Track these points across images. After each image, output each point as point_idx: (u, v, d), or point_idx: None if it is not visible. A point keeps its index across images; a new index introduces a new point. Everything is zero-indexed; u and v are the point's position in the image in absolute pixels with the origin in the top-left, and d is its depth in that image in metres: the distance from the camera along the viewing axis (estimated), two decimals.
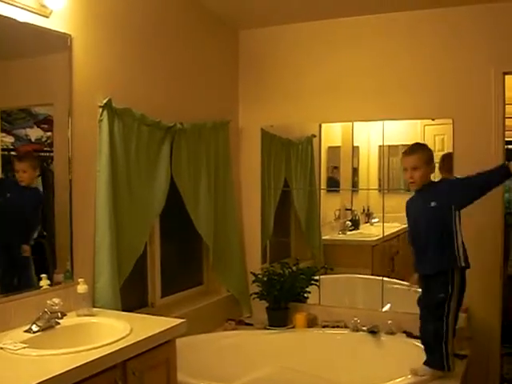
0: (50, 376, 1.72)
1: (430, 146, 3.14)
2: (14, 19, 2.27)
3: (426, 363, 2.81)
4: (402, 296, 3.45)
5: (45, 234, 2.58)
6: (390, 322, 3.46)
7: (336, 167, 4.27)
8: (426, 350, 2.84)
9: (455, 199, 2.77)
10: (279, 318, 3.74)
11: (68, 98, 2.56)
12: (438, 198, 2.79)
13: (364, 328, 3.49)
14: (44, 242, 2.57)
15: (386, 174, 4.09)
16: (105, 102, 2.70)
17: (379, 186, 4.12)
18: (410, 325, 3.24)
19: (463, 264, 2.75)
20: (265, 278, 3.82)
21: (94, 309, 2.54)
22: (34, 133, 2.49)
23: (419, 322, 2.89)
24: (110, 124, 2.72)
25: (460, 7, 3.44)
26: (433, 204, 2.79)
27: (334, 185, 4.29)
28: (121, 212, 2.81)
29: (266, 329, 3.73)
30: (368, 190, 4.23)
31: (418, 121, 3.75)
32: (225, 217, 3.75)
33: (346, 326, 3.62)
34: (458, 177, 2.90)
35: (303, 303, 3.88)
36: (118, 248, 2.76)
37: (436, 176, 3.12)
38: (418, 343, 2.97)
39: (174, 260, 3.65)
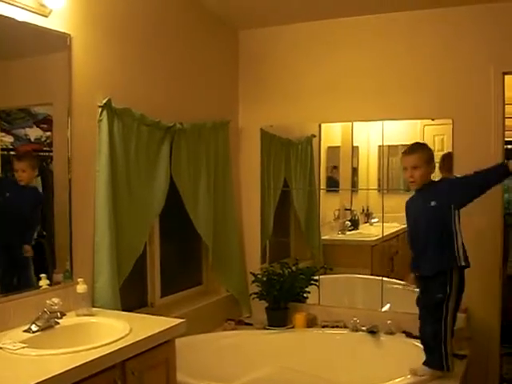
0: (50, 376, 1.72)
1: (430, 146, 3.13)
2: (14, 19, 2.27)
3: (425, 363, 2.81)
4: (401, 296, 3.45)
5: (44, 233, 2.58)
6: (389, 321, 3.46)
7: (335, 167, 4.27)
8: (426, 350, 2.84)
9: (455, 198, 2.77)
10: (279, 318, 3.74)
11: (67, 97, 2.56)
12: (438, 197, 2.79)
13: (363, 328, 3.49)
14: (43, 241, 2.57)
15: (386, 174, 4.09)
16: (104, 101, 2.70)
17: (379, 186, 4.12)
18: (410, 325, 3.24)
19: (463, 263, 2.75)
20: (264, 278, 3.82)
21: (94, 309, 2.54)
22: (34, 132, 2.49)
23: (419, 322, 2.90)
24: (109, 124, 2.72)
25: (460, 7, 3.44)
26: (433, 204, 2.79)
27: (333, 185, 4.29)
28: (120, 212, 2.80)
29: (265, 329, 3.73)
30: (367, 190, 4.23)
31: (418, 121, 3.75)
32: (224, 217, 3.75)
33: (345, 326, 3.62)
34: (458, 176, 2.89)
35: (303, 303, 3.88)
36: (118, 248, 2.76)
37: (436, 176, 3.12)
38: (418, 343, 2.97)
39: (173, 260, 3.65)
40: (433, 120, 3.66)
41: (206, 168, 3.53)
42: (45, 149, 2.57)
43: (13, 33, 2.30)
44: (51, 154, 2.59)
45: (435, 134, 3.71)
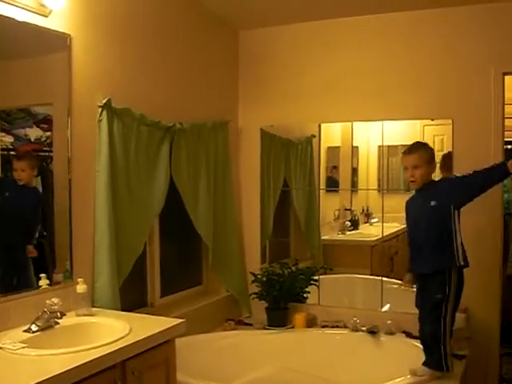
0: (49, 376, 1.72)
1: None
2: (13, 19, 2.27)
3: (424, 364, 2.81)
4: (401, 296, 3.45)
5: (44, 233, 2.58)
6: (389, 322, 3.46)
7: (335, 167, 4.27)
8: (425, 350, 2.84)
9: (455, 198, 2.77)
10: (278, 318, 3.74)
11: (67, 97, 2.56)
12: (438, 197, 2.79)
13: (363, 328, 3.49)
14: (43, 241, 2.57)
15: (386, 174, 4.10)
16: (104, 101, 2.70)
17: (378, 186, 4.12)
18: (410, 325, 3.24)
19: (462, 263, 2.75)
20: (264, 278, 3.82)
21: (94, 308, 2.54)
22: (34, 132, 2.49)
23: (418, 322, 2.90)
24: (109, 124, 2.72)
25: (460, 7, 3.45)
26: (433, 203, 2.79)
27: (333, 185, 4.29)
28: (120, 212, 2.80)
29: (265, 329, 3.73)
30: (367, 190, 4.23)
31: (418, 121, 3.75)
32: (224, 217, 3.75)
33: (345, 326, 3.62)
34: (458, 175, 2.89)
35: (302, 303, 3.88)
36: (118, 248, 2.76)
37: (437, 175, 3.12)
38: (418, 343, 2.97)
39: (173, 260, 3.65)
40: (432, 120, 3.66)
41: (206, 168, 3.53)
42: (45, 149, 2.57)
43: (13, 33, 2.30)
44: (51, 153, 2.59)
45: (435, 134, 3.71)
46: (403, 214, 3.03)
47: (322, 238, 4.22)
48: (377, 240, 3.99)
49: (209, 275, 3.93)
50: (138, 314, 2.63)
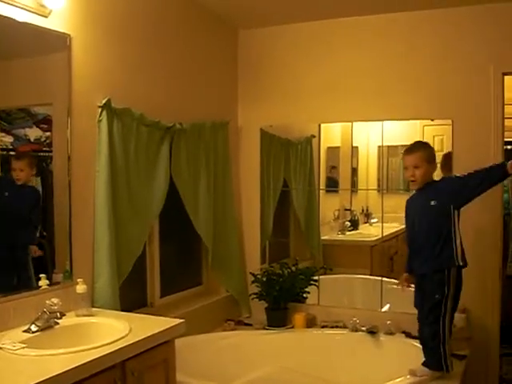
0: (49, 376, 1.72)
1: None
2: (13, 19, 2.27)
3: (424, 364, 2.81)
4: (401, 296, 3.44)
5: (44, 234, 2.58)
6: (389, 322, 3.46)
7: (335, 167, 4.27)
8: (424, 350, 2.84)
9: (455, 198, 2.77)
10: (278, 319, 3.74)
11: (67, 97, 2.56)
12: (438, 196, 2.79)
13: (363, 328, 3.49)
14: (43, 241, 2.56)
15: (385, 175, 4.10)
16: (104, 101, 2.70)
17: (378, 186, 4.12)
18: (409, 325, 3.24)
19: (461, 263, 2.75)
20: (264, 279, 3.82)
21: (93, 309, 2.54)
22: (33, 133, 2.48)
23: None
24: (109, 124, 2.72)
25: (460, 8, 3.45)
26: (433, 203, 2.79)
27: (333, 185, 4.29)
28: (120, 212, 2.80)
29: (265, 329, 3.73)
30: (367, 190, 4.23)
31: (418, 121, 3.74)
32: (224, 217, 3.75)
33: (345, 327, 3.62)
34: (458, 175, 2.89)
35: (302, 303, 3.88)
36: (117, 248, 2.75)
37: (438, 175, 3.12)
38: (417, 343, 2.97)
39: (173, 260, 3.65)
40: (432, 120, 3.66)
41: (206, 168, 3.53)
42: (44, 149, 2.57)
43: (13, 33, 2.30)
44: (51, 154, 2.59)
45: (435, 134, 3.71)
46: (403, 214, 3.03)
47: (322, 238, 4.22)
48: (376, 240, 3.99)
49: (209, 275, 3.93)
50: (137, 315, 2.63)
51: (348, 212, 4.25)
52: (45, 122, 2.54)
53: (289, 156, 4.25)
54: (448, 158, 3.53)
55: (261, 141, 4.07)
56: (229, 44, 4.02)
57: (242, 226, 4.08)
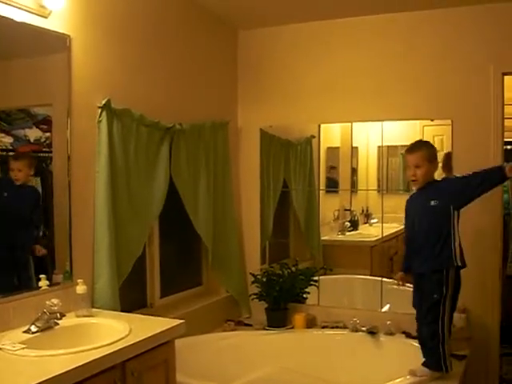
0: (49, 377, 1.72)
1: None
2: (13, 19, 2.27)
3: (424, 364, 2.81)
4: (401, 296, 3.45)
5: (46, 233, 2.58)
6: (389, 322, 3.46)
7: (335, 167, 4.27)
8: (423, 351, 2.84)
9: (455, 198, 2.77)
10: (278, 319, 3.74)
11: (67, 98, 2.56)
12: (438, 197, 2.79)
13: (363, 328, 3.49)
14: (44, 242, 2.56)
15: (385, 175, 4.10)
16: (104, 102, 2.70)
17: (378, 186, 4.12)
18: (409, 325, 3.24)
19: (459, 263, 2.75)
20: (264, 279, 3.82)
21: (93, 309, 2.54)
22: (33, 133, 2.48)
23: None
24: (108, 125, 2.72)
25: (460, 8, 3.45)
26: (433, 203, 2.79)
27: (333, 185, 4.29)
28: (120, 213, 2.80)
29: (265, 329, 3.73)
30: (367, 190, 4.23)
31: (417, 121, 3.75)
32: (224, 217, 3.75)
33: (345, 327, 3.62)
34: (458, 176, 2.89)
35: (302, 304, 3.88)
36: (117, 248, 2.75)
37: (439, 174, 3.12)
38: (417, 344, 2.97)
39: (173, 260, 3.65)
40: (432, 120, 3.66)
41: (206, 168, 3.53)
42: (44, 150, 2.57)
43: (13, 33, 2.30)
44: (51, 154, 2.58)
45: (435, 134, 3.71)
46: (403, 215, 3.03)
47: (322, 238, 4.22)
48: (376, 240, 3.99)
49: (209, 276, 3.93)
50: (137, 315, 2.63)
51: (348, 212, 4.25)
52: (44, 123, 2.54)
53: (289, 156, 4.25)
54: (449, 157, 3.53)
55: (261, 141, 4.07)
56: (228, 44, 4.02)
57: (241, 227, 4.08)
